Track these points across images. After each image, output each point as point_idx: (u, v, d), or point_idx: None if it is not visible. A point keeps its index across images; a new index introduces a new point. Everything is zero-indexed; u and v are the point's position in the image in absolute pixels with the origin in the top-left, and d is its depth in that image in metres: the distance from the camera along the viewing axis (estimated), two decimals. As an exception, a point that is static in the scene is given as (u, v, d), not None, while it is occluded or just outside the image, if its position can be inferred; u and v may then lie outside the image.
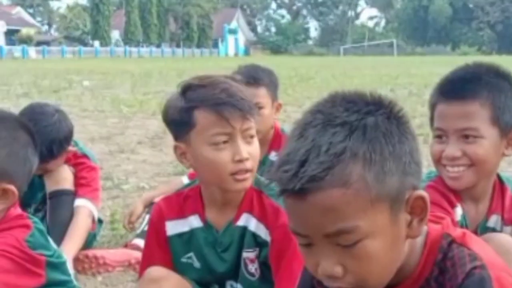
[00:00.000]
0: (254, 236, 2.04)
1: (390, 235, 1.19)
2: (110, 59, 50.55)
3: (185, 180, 3.26)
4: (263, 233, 2.03)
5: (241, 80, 2.86)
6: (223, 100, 1.90)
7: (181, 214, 2.10)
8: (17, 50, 54.48)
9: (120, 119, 9.19)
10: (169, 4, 73.86)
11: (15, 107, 9.76)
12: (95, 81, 18.67)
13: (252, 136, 1.98)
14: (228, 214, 2.06)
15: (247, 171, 1.94)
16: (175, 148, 2.03)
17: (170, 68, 29.82)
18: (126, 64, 35.64)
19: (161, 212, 2.10)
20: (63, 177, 3.13)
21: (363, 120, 1.18)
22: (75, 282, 2.05)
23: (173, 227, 2.11)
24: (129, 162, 5.99)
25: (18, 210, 1.93)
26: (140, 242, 3.25)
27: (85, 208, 3.17)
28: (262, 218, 2.02)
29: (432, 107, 2.05)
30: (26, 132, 1.90)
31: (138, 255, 3.15)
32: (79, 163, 3.27)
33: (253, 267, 2.07)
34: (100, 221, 3.44)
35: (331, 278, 1.20)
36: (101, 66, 31.36)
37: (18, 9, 74.01)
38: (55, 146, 2.95)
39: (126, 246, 3.34)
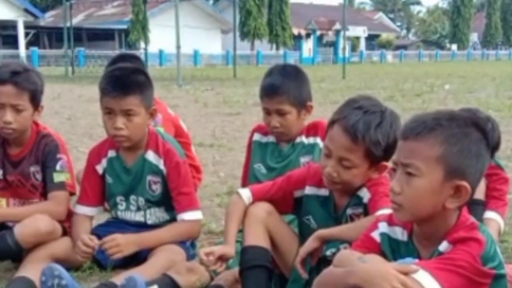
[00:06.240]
0: None
1: None
2: (466, 63, 49.50)
3: None
4: None
5: None
6: None
7: None
8: (375, 54, 56.52)
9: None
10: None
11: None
12: (456, 84, 18.44)
13: None
14: None
15: None
16: None
17: (535, 71, 28.08)
18: (484, 67, 34.54)
19: None
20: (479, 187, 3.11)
21: None
22: None
23: None
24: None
25: (471, 218, 1.89)
26: None
27: (495, 222, 3.11)
28: None
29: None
30: (478, 129, 1.87)
31: None
32: (493, 174, 3.20)
33: None
34: None
35: None
36: (459, 70, 30.90)
37: (380, 14, 76.52)
38: None
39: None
